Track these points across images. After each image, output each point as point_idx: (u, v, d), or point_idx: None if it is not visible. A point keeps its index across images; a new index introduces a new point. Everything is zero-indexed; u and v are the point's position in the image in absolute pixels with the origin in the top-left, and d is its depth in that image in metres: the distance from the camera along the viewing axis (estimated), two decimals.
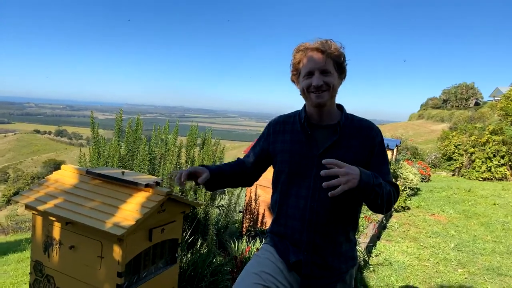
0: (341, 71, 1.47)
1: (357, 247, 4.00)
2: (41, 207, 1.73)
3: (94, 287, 1.70)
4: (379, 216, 5.70)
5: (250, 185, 1.74)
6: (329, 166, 1.27)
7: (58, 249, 1.79)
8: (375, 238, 5.11)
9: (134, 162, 2.82)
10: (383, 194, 1.35)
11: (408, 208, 7.21)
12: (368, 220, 5.00)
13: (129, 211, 1.64)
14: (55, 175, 1.98)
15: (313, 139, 1.47)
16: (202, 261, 2.66)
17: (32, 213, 1.83)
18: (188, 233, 2.91)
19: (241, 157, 1.74)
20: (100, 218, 1.60)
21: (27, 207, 1.78)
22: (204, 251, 2.86)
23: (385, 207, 1.44)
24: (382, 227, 5.73)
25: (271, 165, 1.67)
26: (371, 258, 4.49)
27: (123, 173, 1.88)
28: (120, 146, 2.94)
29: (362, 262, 4.04)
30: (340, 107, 1.57)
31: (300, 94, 1.52)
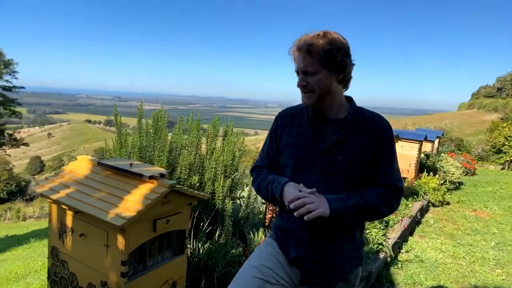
0: (332, 67, 1.34)
1: (384, 243, 3.87)
2: (53, 196, 1.82)
3: (101, 273, 1.77)
4: (413, 211, 5.48)
5: None
6: (299, 196, 1.27)
7: (70, 236, 1.88)
8: (407, 233, 4.92)
9: (155, 153, 2.88)
10: (362, 212, 1.35)
11: (448, 203, 6.86)
12: (395, 215, 4.80)
13: (132, 202, 1.68)
14: (70, 165, 2.07)
15: (320, 133, 1.42)
16: (218, 251, 2.70)
17: (48, 201, 1.94)
18: (206, 223, 2.96)
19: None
20: (105, 209, 1.66)
21: (42, 195, 1.89)
22: (222, 241, 2.90)
23: (373, 218, 1.44)
24: (415, 222, 5.50)
25: None
26: (400, 254, 4.33)
27: (131, 164, 1.93)
28: (142, 138, 3.02)
29: (389, 258, 3.91)
30: (349, 99, 1.50)
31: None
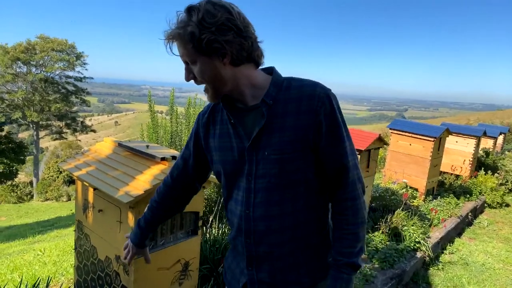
0: (206, 51, 1.00)
1: (422, 241, 3.66)
2: (76, 173, 1.96)
3: (115, 248, 1.88)
4: (463, 211, 5.11)
5: (196, 192, 1.46)
6: None
7: (91, 211, 2.02)
8: (453, 234, 4.60)
9: (183, 139, 2.98)
10: (361, 247, 1.14)
11: (507, 205, 6.28)
12: (435, 212, 4.49)
13: (142, 181, 1.76)
14: (96, 145, 2.21)
15: (240, 127, 1.12)
16: None
17: (75, 178, 2.09)
18: None
19: None
20: (117, 186, 1.75)
21: (67, 172, 2.04)
22: None
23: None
24: (466, 223, 5.11)
25: None
26: (442, 255, 4.08)
27: (147, 146, 2.01)
28: (176, 124, 3.13)
29: (427, 258, 3.68)
30: (270, 71, 1.15)
31: None
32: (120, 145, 2.08)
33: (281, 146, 1.06)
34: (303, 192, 1.12)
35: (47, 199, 22.04)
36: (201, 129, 1.25)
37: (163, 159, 1.85)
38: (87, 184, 1.97)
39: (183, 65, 1.08)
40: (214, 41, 0.99)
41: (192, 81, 1.07)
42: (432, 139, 4.91)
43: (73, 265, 2.52)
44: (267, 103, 1.07)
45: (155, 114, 3.15)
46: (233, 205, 1.19)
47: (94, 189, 1.92)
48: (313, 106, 1.05)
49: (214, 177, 1.29)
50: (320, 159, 1.10)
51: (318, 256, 1.19)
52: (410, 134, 5.12)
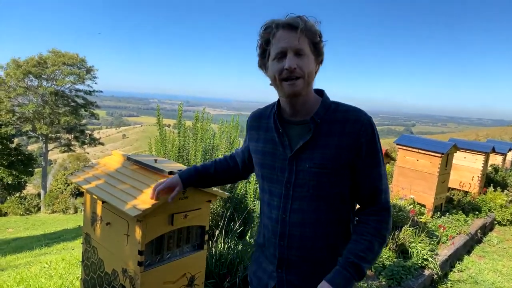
0: (318, 53, 1.20)
1: (430, 259, 3.61)
2: (85, 186, 1.99)
3: (122, 261, 1.89)
4: (472, 228, 5.03)
5: (245, 178, 1.69)
6: None
7: (99, 224, 2.04)
8: (462, 251, 4.53)
9: (190, 153, 3.01)
10: (372, 259, 1.19)
11: None
12: (444, 229, 4.44)
13: (150, 195, 1.78)
14: (105, 159, 2.25)
15: (286, 138, 1.25)
16: (246, 251, 2.73)
17: (83, 191, 2.12)
18: (238, 223, 3.00)
19: None
20: (125, 200, 1.77)
21: (77, 184, 2.07)
22: (251, 242, 2.92)
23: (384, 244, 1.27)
24: (475, 241, 5.04)
25: None
26: (451, 273, 4.01)
27: (156, 160, 2.04)
28: (184, 138, 3.17)
29: (435, 276, 3.63)
30: (320, 93, 1.29)
31: (270, 84, 1.26)
32: (128, 158, 2.11)
33: (323, 161, 1.18)
34: (337, 205, 1.23)
35: (54, 211, 22.16)
36: (248, 131, 1.43)
37: (170, 173, 1.87)
38: (96, 197, 2.00)
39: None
40: (323, 47, 1.21)
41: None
42: (440, 155, 4.88)
43: (79, 278, 2.53)
44: (316, 121, 1.20)
45: (163, 128, 3.20)
46: (267, 209, 1.32)
47: (103, 202, 1.94)
48: (356, 130, 1.17)
49: (221, 191, 1.40)
50: (355, 178, 1.22)
51: None
52: (417, 150, 5.11)
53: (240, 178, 1.68)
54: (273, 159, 1.27)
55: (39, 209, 23.32)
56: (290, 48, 1.14)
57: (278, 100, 1.32)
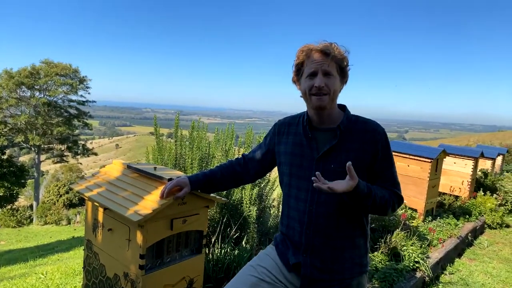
0: (343, 75, 1.49)
1: (422, 261, 3.71)
2: (87, 194, 2.07)
3: (124, 265, 1.96)
4: (463, 231, 5.15)
5: (252, 181, 1.85)
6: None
7: (101, 230, 2.11)
8: (453, 254, 4.63)
9: (187, 160, 3.09)
10: (376, 202, 1.42)
11: (507, 226, 6.31)
12: (434, 232, 4.54)
13: (150, 201, 1.85)
14: (106, 168, 2.32)
15: (314, 142, 1.51)
16: (242, 256, 2.81)
17: (85, 199, 2.19)
18: (234, 229, 3.08)
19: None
20: (126, 206, 1.85)
21: (79, 192, 2.14)
22: (247, 247, 3.00)
23: (373, 212, 1.49)
24: (466, 244, 5.15)
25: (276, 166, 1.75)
26: (442, 275, 4.10)
27: (155, 168, 2.12)
28: (181, 147, 3.25)
29: (427, 278, 3.72)
30: (343, 107, 1.58)
31: (301, 96, 1.54)
32: (129, 167, 2.19)
33: (347, 163, 1.35)
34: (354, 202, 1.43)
35: (46, 223, 21.91)
36: (277, 136, 1.66)
37: (170, 180, 1.95)
38: (98, 205, 2.08)
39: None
40: (348, 71, 1.50)
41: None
42: (429, 160, 5.02)
43: (81, 284, 2.58)
44: (341, 129, 1.47)
45: (160, 138, 3.28)
46: (294, 202, 1.53)
47: (105, 209, 2.02)
48: (374, 138, 1.47)
49: (218, 197, 1.57)
50: (373, 177, 1.49)
51: (360, 256, 1.53)
52: (407, 156, 5.24)
53: (245, 182, 1.86)
54: (301, 160, 1.52)
55: (31, 221, 23.05)
56: (320, 69, 1.42)
57: (306, 111, 1.58)
